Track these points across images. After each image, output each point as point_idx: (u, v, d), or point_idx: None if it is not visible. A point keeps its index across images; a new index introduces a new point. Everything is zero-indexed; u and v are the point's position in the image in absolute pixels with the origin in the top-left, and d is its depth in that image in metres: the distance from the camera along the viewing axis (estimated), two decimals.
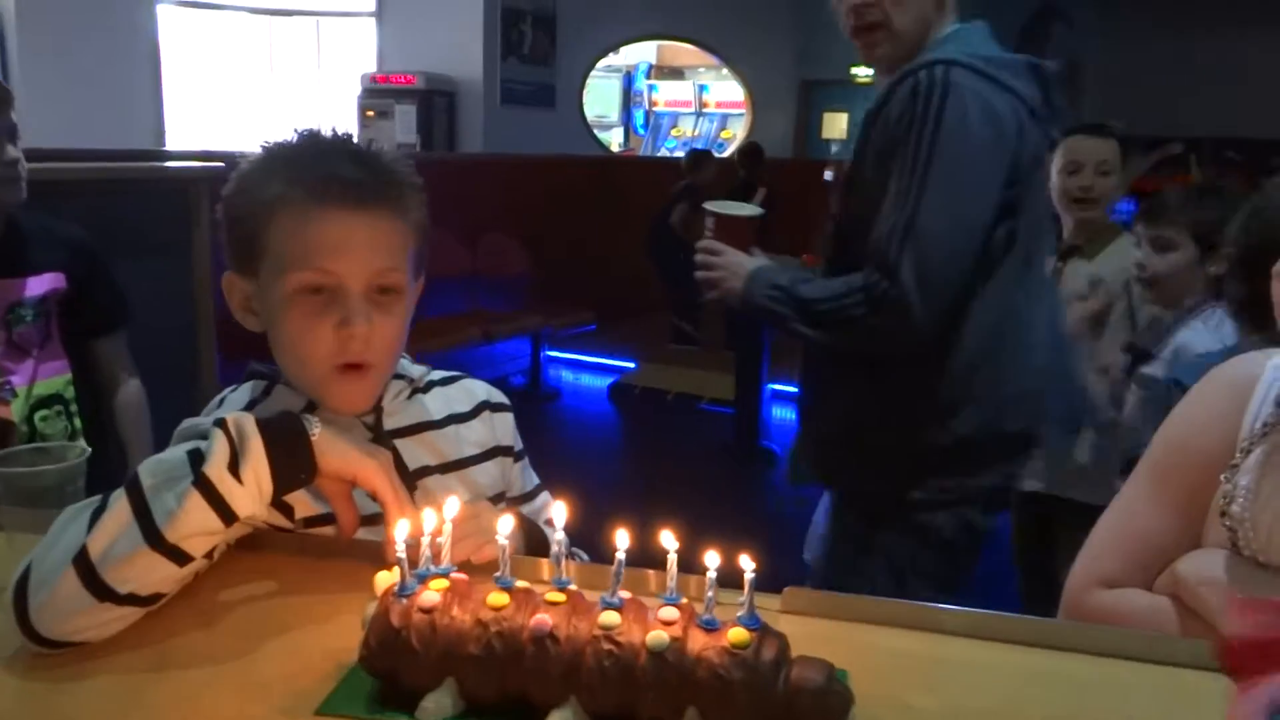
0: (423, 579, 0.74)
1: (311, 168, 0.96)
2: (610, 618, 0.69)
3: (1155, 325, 2.38)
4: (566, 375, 6.25)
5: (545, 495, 1.19)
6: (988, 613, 0.87)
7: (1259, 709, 0.67)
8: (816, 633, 0.85)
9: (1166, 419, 1.01)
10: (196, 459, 0.83)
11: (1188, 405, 1.00)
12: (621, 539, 0.72)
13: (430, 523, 0.77)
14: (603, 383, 6.09)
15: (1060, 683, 0.81)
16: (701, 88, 11.47)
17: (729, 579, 0.71)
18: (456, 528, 0.78)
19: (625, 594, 0.72)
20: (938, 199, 1.47)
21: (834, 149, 9.62)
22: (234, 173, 1.01)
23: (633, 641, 0.68)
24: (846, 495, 1.75)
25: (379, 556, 0.88)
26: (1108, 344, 2.45)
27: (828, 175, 5.64)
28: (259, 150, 1.01)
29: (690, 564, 0.73)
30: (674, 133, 11.47)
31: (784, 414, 5.41)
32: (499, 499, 1.11)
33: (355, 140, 1.03)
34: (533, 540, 1.04)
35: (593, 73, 8.45)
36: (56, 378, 1.79)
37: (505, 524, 0.76)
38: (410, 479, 1.03)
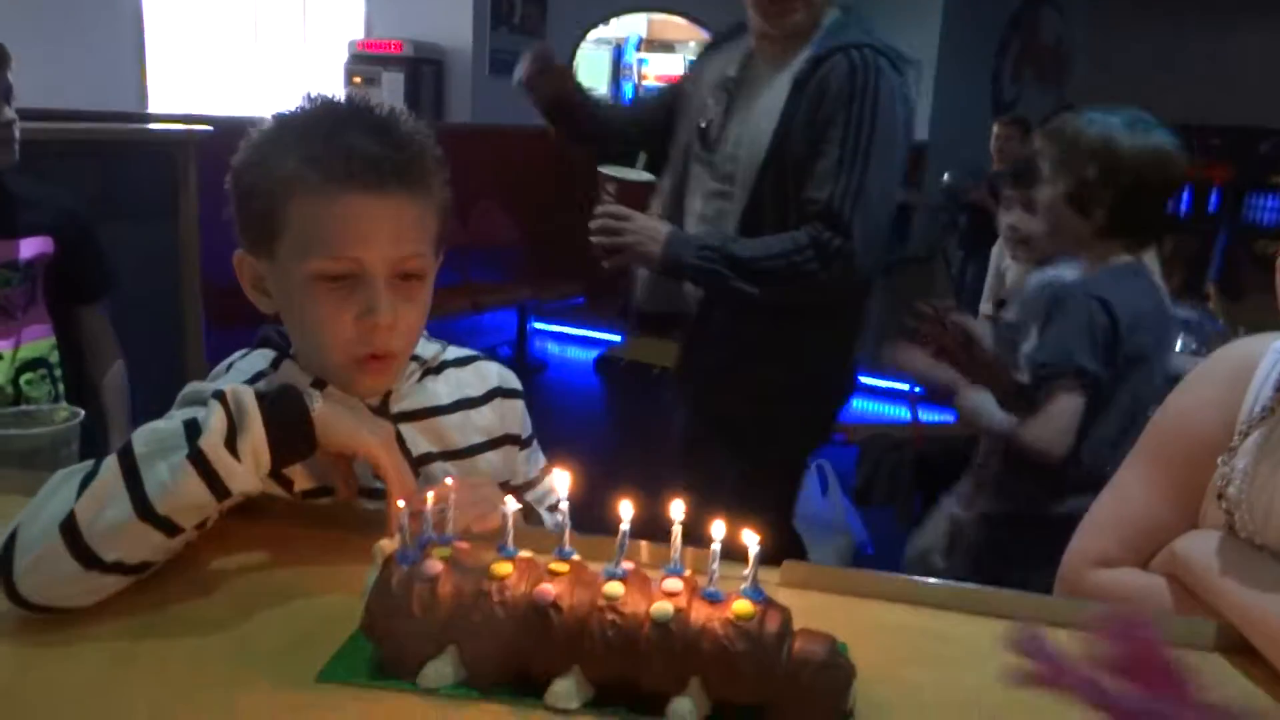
0: (424, 547, 0.73)
1: (330, 143, 0.90)
2: (614, 588, 0.69)
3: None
4: (553, 348, 6.24)
5: (549, 479, 1.15)
6: (984, 588, 0.88)
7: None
8: (814, 606, 0.85)
9: (1164, 402, 1.01)
10: (193, 430, 0.82)
11: (1186, 388, 1.00)
12: (625, 510, 0.72)
13: (433, 494, 0.76)
14: (589, 355, 6.08)
15: None
16: (691, 61, 11.41)
17: (726, 551, 0.71)
18: (458, 496, 0.78)
19: (629, 565, 0.71)
20: (877, 166, 1.69)
21: None
22: (243, 143, 0.95)
23: (636, 612, 0.68)
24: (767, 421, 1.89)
25: (380, 525, 0.87)
26: None
27: None
28: (269, 120, 0.95)
29: (690, 532, 0.73)
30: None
31: None
32: (502, 488, 1.08)
33: (373, 108, 0.96)
34: (529, 523, 1.03)
35: (583, 44, 8.37)
36: (41, 341, 1.77)
37: (508, 501, 0.75)
38: (413, 465, 1.01)
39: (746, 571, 0.70)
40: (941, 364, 1.78)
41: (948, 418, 3.76)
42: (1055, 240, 1.82)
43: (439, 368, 1.07)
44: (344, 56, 6.96)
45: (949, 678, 0.78)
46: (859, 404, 5.17)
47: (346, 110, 0.95)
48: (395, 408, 1.02)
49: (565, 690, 0.69)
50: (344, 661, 0.73)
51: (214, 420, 0.82)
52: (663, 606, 0.68)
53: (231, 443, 0.81)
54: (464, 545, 0.75)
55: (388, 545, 0.75)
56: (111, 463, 0.80)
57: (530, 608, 0.69)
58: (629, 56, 10.81)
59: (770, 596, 0.70)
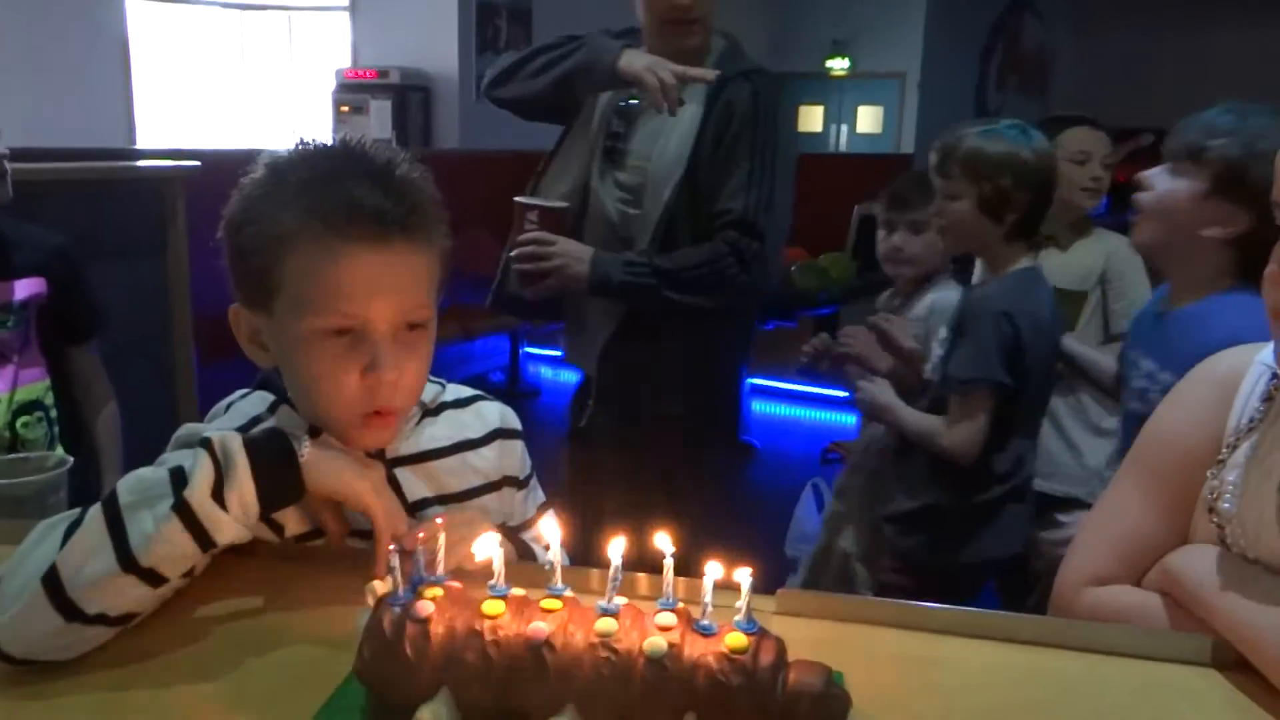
0: (416, 587, 0.73)
1: (328, 195, 0.87)
2: (607, 624, 0.69)
3: (1127, 316, 2.41)
4: (546, 372, 6.23)
5: (546, 516, 1.14)
6: (981, 611, 0.88)
7: None
8: (810, 634, 0.85)
9: (1152, 415, 1.01)
10: (179, 480, 0.81)
11: (1173, 402, 1.00)
12: (616, 547, 0.71)
13: (422, 533, 0.76)
14: None
15: (1053, 680, 0.82)
16: None
17: (723, 581, 0.71)
18: (450, 533, 0.77)
19: (621, 600, 0.71)
20: (781, 180, 1.90)
21: None
22: (236, 194, 0.92)
23: (630, 648, 0.68)
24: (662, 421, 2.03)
25: (371, 565, 0.87)
26: (1080, 336, 2.48)
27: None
28: (261, 167, 0.92)
29: (678, 562, 0.72)
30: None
31: (763, 409, 5.42)
32: (500, 529, 1.07)
33: (369, 154, 0.92)
34: (522, 557, 1.02)
35: None
36: (36, 384, 1.77)
37: (490, 538, 0.74)
38: (408, 510, 0.99)
39: (739, 603, 0.70)
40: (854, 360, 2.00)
41: None
42: (963, 247, 1.96)
43: (437, 409, 1.06)
44: (331, 85, 6.98)
45: (947, 704, 0.78)
46: (851, 420, 5.17)
47: (343, 158, 0.91)
48: (392, 453, 1.00)
49: None
50: (337, 705, 0.72)
51: (200, 470, 0.81)
52: (656, 642, 0.68)
53: (219, 493, 0.81)
54: (456, 585, 0.75)
55: (379, 586, 0.75)
56: (95, 513, 0.79)
57: (523, 646, 0.69)
58: None
59: (764, 627, 0.70)
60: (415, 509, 1.01)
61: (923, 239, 2.29)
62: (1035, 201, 1.81)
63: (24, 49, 5.46)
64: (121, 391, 1.94)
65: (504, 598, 0.72)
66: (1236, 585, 0.84)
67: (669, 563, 0.73)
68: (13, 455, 1.14)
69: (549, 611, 0.71)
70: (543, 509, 1.15)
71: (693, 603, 0.71)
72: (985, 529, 1.86)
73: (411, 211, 0.90)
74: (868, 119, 9.43)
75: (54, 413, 1.80)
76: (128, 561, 0.77)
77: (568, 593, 0.72)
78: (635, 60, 1.87)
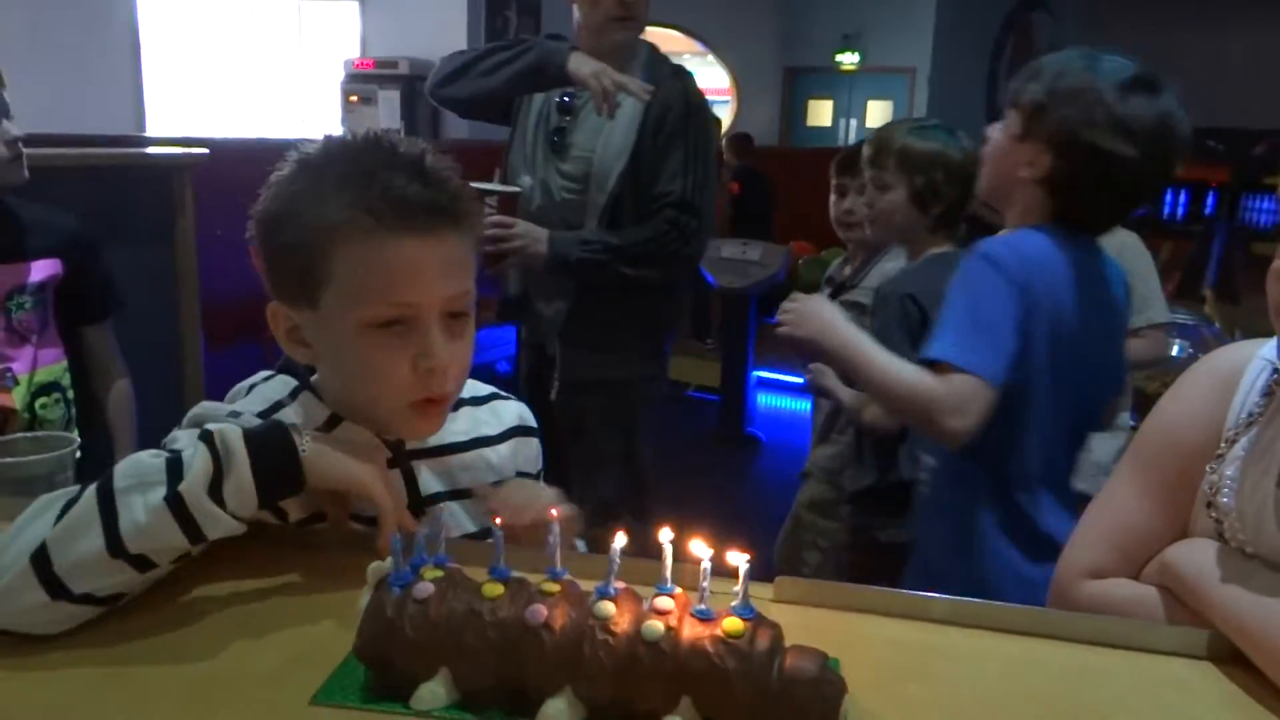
0: (417, 569, 0.74)
1: (373, 187, 0.88)
2: (605, 607, 0.69)
3: (1137, 312, 2.41)
4: None
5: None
6: (977, 601, 0.88)
7: None
8: (808, 622, 0.85)
9: (1152, 410, 1.01)
10: (175, 470, 0.81)
11: (1174, 395, 1.00)
12: (618, 536, 0.72)
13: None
14: None
15: (1049, 670, 0.82)
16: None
17: (721, 567, 0.71)
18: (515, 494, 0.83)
19: (620, 584, 0.72)
20: (710, 164, 2.22)
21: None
22: (267, 192, 0.93)
23: (628, 631, 0.68)
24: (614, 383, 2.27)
25: (372, 546, 0.88)
26: None
27: None
28: (291, 165, 0.93)
29: (681, 551, 0.73)
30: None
31: (769, 401, 5.42)
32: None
33: (400, 147, 0.93)
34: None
35: None
36: (55, 365, 1.79)
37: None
38: (421, 504, 1.00)
39: (737, 588, 0.70)
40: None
41: None
42: (890, 234, 2.08)
43: (456, 405, 1.05)
44: (340, 75, 6.99)
45: (944, 693, 0.78)
46: None
47: (379, 152, 0.92)
48: (410, 444, 1.01)
49: (557, 710, 0.69)
50: (337, 684, 0.73)
51: (198, 463, 0.81)
52: (653, 625, 0.68)
53: (217, 487, 0.81)
54: (456, 566, 0.76)
55: (380, 567, 0.75)
56: (90, 494, 0.79)
57: (522, 628, 0.70)
58: None
59: (761, 613, 0.71)
60: (428, 502, 1.01)
61: (889, 197, 2.37)
62: (960, 196, 1.96)
63: (35, 36, 5.47)
64: (130, 376, 1.95)
65: (503, 580, 0.73)
66: (1234, 580, 0.85)
67: (668, 548, 0.73)
68: (29, 434, 1.15)
69: (548, 594, 0.71)
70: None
71: (691, 589, 0.71)
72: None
73: (454, 199, 0.92)
74: (877, 114, 9.41)
75: (71, 394, 1.81)
76: (116, 547, 0.78)
77: (566, 576, 0.73)
78: (583, 65, 2.09)
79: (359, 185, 0.88)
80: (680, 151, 2.14)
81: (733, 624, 0.68)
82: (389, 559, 0.74)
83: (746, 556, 0.73)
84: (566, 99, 2.22)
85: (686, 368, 5.69)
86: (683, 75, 2.26)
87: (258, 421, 0.92)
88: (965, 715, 0.76)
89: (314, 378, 1.01)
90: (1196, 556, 0.89)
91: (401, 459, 1.00)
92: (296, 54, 7.29)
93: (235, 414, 0.94)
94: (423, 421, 0.96)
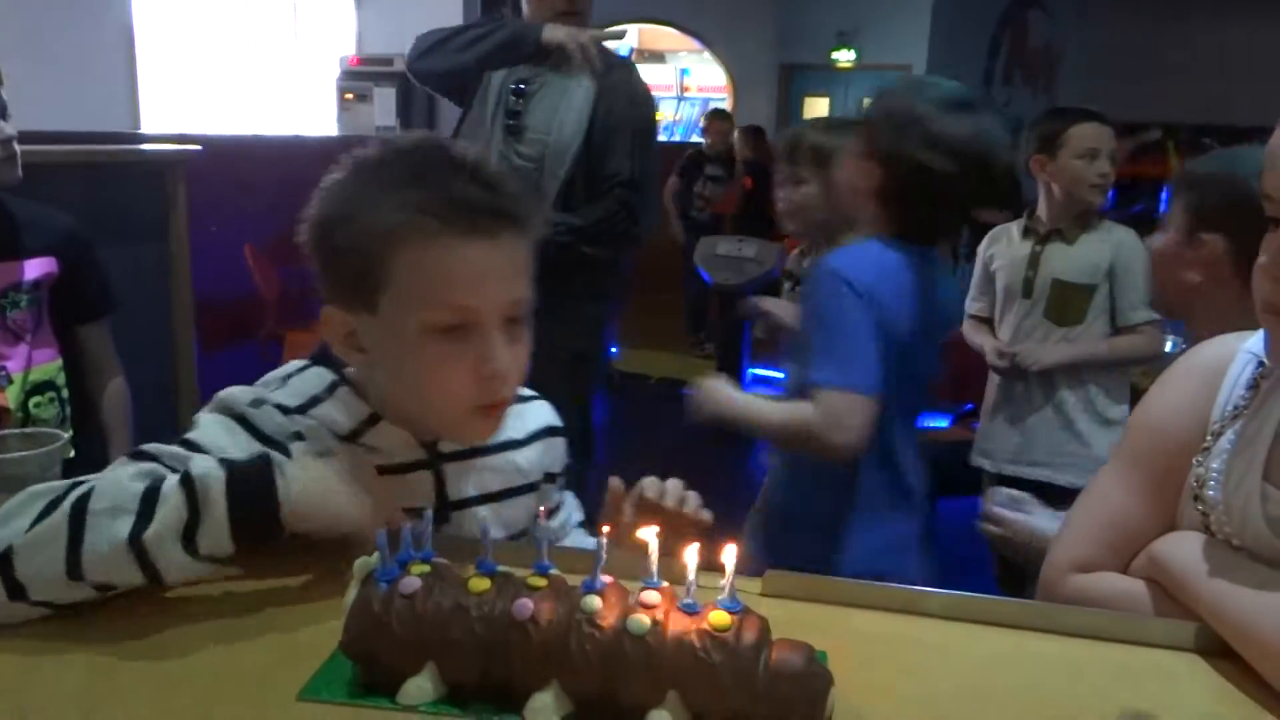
0: (403, 564, 0.74)
1: (434, 190, 0.87)
2: (591, 602, 0.69)
3: (1134, 309, 2.41)
4: None
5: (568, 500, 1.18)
6: (966, 595, 0.88)
7: None
8: (797, 615, 0.85)
9: (1139, 404, 1.01)
10: (149, 503, 0.79)
11: (1160, 389, 1.00)
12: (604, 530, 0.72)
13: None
14: None
15: (1038, 664, 0.82)
16: (683, 71, 11.43)
17: (710, 562, 0.71)
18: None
19: (607, 578, 0.72)
20: (655, 151, 2.45)
21: None
22: (321, 197, 0.92)
23: (614, 625, 0.69)
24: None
25: (359, 542, 0.87)
26: (1088, 329, 2.48)
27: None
28: (345, 170, 0.92)
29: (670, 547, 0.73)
30: (656, 116, 11.43)
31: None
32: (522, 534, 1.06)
33: (454, 152, 0.92)
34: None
35: None
36: (49, 364, 1.78)
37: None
38: (448, 509, 0.99)
39: (723, 582, 0.70)
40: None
41: (942, 422, 3.77)
42: (809, 228, 2.14)
43: None
44: (336, 72, 6.97)
45: (932, 685, 0.78)
46: None
47: (435, 155, 0.91)
48: (445, 447, 0.99)
49: (544, 705, 0.69)
50: (324, 680, 0.73)
51: (170, 510, 0.79)
52: (639, 620, 0.68)
53: (190, 533, 0.79)
54: (443, 561, 0.76)
55: (367, 563, 0.75)
56: (66, 508, 0.79)
57: (508, 623, 0.70)
58: None
59: (748, 607, 0.71)
60: (457, 507, 1.00)
61: (804, 191, 2.49)
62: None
63: (29, 33, 5.45)
64: (125, 375, 1.95)
65: (490, 575, 0.73)
66: (1221, 572, 0.85)
67: (654, 542, 0.73)
68: (22, 430, 1.15)
69: (534, 589, 0.71)
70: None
71: (679, 583, 0.71)
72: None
73: (515, 202, 0.91)
74: None
75: (66, 393, 1.80)
76: (75, 571, 0.77)
77: (553, 570, 0.73)
78: (556, 31, 2.25)
79: (418, 188, 0.87)
80: (627, 136, 2.31)
81: (719, 618, 0.69)
82: (375, 554, 0.74)
83: (734, 550, 0.73)
84: (521, 85, 2.35)
85: (681, 365, 5.69)
86: (628, 65, 2.45)
87: (280, 419, 0.92)
88: (953, 708, 0.76)
89: (348, 370, 0.98)
90: (1184, 549, 0.89)
91: (433, 461, 0.99)
92: (292, 51, 7.27)
93: (260, 401, 0.93)
94: (483, 426, 0.95)
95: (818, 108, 10.01)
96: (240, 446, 0.90)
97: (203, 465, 0.82)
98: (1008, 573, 2.54)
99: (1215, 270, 1.39)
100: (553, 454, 1.10)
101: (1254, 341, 0.94)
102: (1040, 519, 1.47)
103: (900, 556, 1.64)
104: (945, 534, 1.99)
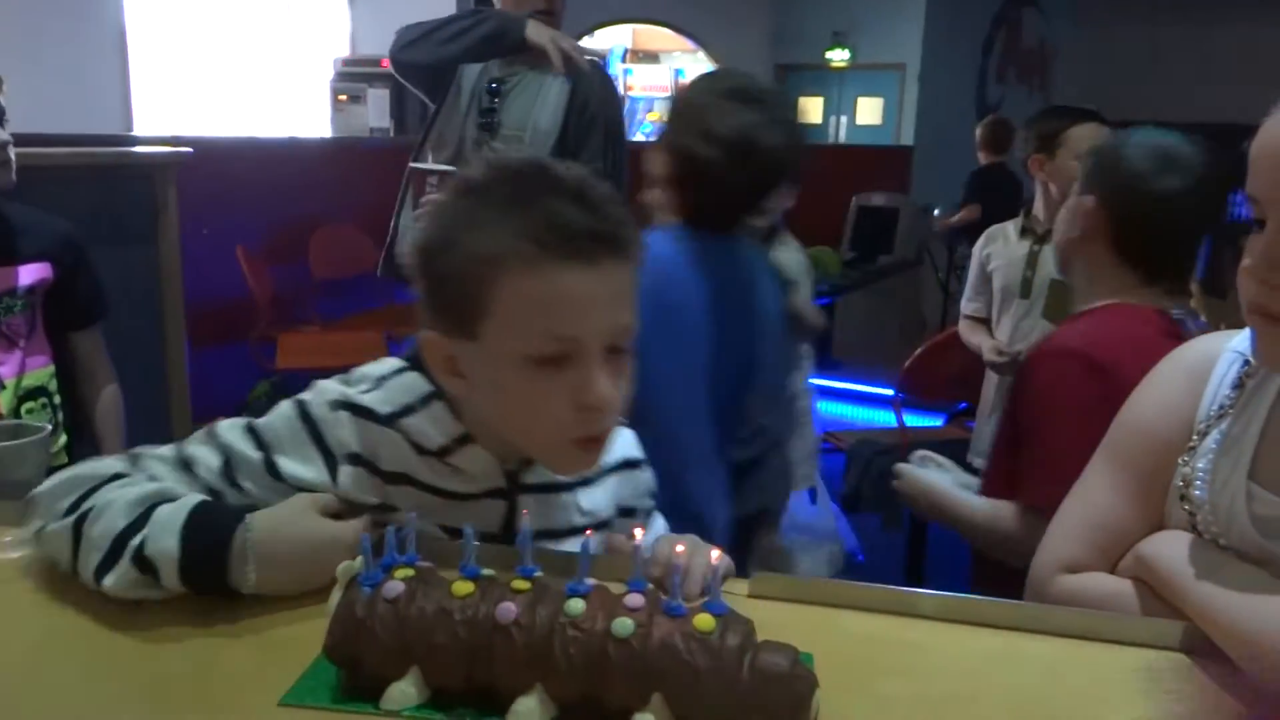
0: (387, 569, 0.73)
1: (536, 215, 0.84)
2: (575, 605, 0.69)
3: None
4: None
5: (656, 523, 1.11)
6: (955, 596, 0.88)
7: None
8: (785, 617, 0.85)
9: (1125, 404, 1.01)
10: (114, 553, 0.82)
11: (1146, 388, 1.00)
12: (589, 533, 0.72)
13: None
14: None
15: (1026, 664, 0.82)
16: (677, 72, 11.43)
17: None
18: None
19: (592, 581, 0.72)
20: (625, 148, 2.44)
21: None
22: (427, 219, 0.90)
23: (597, 629, 0.68)
24: None
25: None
26: None
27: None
28: (452, 191, 0.90)
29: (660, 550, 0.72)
30: (649, 117, 11.42)
31: None
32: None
33: (561, 173, 0.88)
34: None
35: None
36: (42, 370, 1.77)
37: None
38: (511, 541, 0.93)
39: (709, 584, 0.70)
40: None
41: (935, 421, 3.77)
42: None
43: None
44: (329, 74, 6.97)
45: (918, 686, 0.78)
46: (845, 410, 5.17)
47: (539, 177, 0.88)
48: (527, 478, 0.96)
49: (528, 709, 0.69)
50: (308, 685, 0.73)
51: (123, 576, 0.82)
52: (623, 623, 0.68)
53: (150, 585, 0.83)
54: (427, 565, 0.75)
55: (351, 567, 0.75)
56: (68, 525, 0.85)
57: (492, 627, 0.69)
58: (614, 67, 10.84)
59: (732, 609, 0.70)
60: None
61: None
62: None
63: (21, 36, 5.44)
64: (117, 381, 1.94)
65: (474, 578, 0.72)
66: (1208, 572, 0.85)
67: (639, 544, 0.73)
68: (14, 422, 1.16)
69: (518, 592, 0.71)
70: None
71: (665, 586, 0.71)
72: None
73: (618, 227, 0.87)
74: (868, 111, 9.40)
75: (57, 399, 1.80)
76: (85, 578, 0.84)
77: (538, 574, 0.73)
78: (541, 33, 2.29)
79: (521, 212, 0.84)
80: (600, 133, 2.37)
81: (703, 620, 0.68)
82: (359, 558, 0.73)
83: (717, 553, 0.73)
84: (495, 84, 2.39)
85: None
86: (599, 66, 2.51)
87: (344, 434, 0.91)
88: (939, 709, 0.76)
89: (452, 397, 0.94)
90: (1170, 549, 0.89)
91: (511, 491, 0.95)
92: (286, 52, 7.26)
93: (339, 404, 0.92)
94: (578, 458, 0.91)
95: (812, 108, 10.01)
96: (298, 450, 0.91)
97: (156, 547, 0.82)
98: (982, 570, 2.52)
99: (1088, 228, 1.45)
100: (631, 487, 1.05)
101: (1239, 340, 0.94)
102: (939, 476, 1.61)
103: None
104: (941, 535, 2.00)
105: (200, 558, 0.82)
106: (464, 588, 0.71)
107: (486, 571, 0.73)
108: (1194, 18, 9.02)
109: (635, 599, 0.70)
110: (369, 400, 0.93)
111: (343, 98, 6.82)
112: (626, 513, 1.04)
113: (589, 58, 2.44)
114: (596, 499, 1.01)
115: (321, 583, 0.80)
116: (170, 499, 0.85)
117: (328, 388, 0.94)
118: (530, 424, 0.88)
